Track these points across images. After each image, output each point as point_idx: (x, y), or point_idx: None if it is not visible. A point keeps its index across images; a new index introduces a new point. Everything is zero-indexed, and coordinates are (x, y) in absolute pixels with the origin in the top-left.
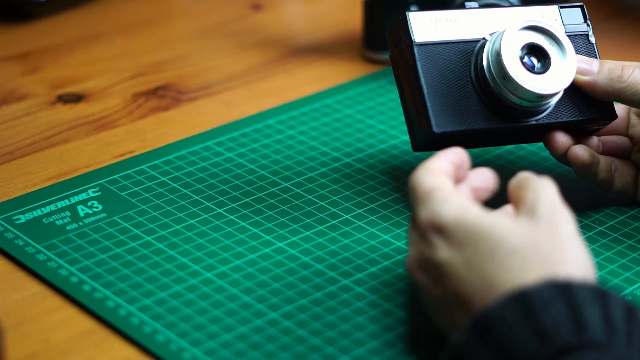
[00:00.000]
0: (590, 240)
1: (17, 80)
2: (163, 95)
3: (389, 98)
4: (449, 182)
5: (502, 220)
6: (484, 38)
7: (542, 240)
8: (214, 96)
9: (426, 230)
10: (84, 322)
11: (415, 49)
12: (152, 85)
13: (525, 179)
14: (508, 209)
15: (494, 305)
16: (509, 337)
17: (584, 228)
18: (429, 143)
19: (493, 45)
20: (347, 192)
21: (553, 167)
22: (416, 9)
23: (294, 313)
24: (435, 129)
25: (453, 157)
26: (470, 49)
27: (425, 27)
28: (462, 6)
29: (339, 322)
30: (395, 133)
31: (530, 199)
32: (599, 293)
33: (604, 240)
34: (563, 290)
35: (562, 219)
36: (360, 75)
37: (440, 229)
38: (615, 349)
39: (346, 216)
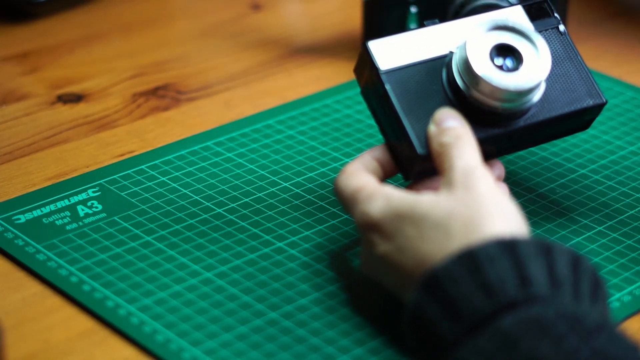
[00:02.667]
0: (589, 240)
1: (17, 80)
2: (163, 95)
3: None
4: (371, 177)
5: (423, 198)
6: (450, 51)
7: (460, 206)
8: (214, 96)
9: (363, 231)
10: (84, 322)
11: (383, 77)
12: (151, 85)
13: (440, 145)
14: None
15: (442, 264)
16: (455, 292)
17: (583, 228)
18: (419, 170)
19: (460, 55)
20: None
21: (551, 166)
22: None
23: (294, 313)
24: (419, 150)
25: (376, 153)
26: (439, 66)
27: (389, 53)
28: (422, 25)
29: (339, 322)
30: None
31: (447, 167)
32: (544, 247)
33: (604, 240)
34: (508, 247)
35: (476, 178)
36: None
37: (373, 226)
38: (559, 301)
39: (345, 216)
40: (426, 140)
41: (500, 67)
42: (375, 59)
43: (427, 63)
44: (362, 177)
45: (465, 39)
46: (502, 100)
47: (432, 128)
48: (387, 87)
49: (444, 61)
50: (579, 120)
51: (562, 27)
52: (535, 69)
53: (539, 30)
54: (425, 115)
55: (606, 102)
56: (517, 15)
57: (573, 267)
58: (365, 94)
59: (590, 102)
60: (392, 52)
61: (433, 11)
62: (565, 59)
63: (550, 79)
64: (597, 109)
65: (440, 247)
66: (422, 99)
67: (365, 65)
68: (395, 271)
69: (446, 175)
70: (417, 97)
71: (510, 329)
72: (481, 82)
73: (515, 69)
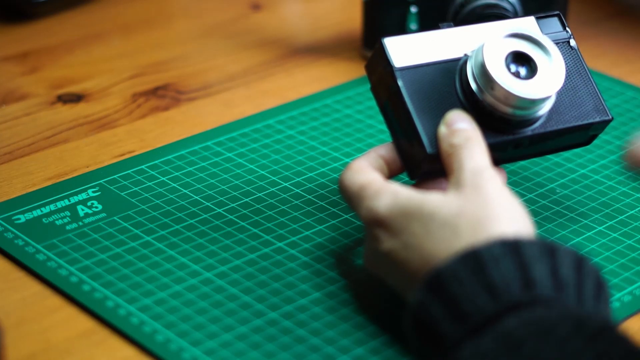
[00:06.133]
0: (589, 240)
1: (17, 80)
2: (163, 95)
3: None
4: (377, 174)
5: (431, 197)
6: (465, 54)
7: (468, 205)
8: (214, 96)
9: (369, 227)
10: (84, 322)
11: (397, 74)
12: (151, 85)
13: (450, 146)
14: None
15: (446, 264)
16: (459, 292)
17: (583, 228)
18: (425, 170)
19: (476, 58)
20: None
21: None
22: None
23: (294, 313)
24: (429, 149)
25: (382, 151)
26: (453, 68)
27: (404, 51)
28: (437, 27)
29: (339, 322)
30: None
31: (456, 168)
32: (548, 248)
33: (604, 240)
34: (512, 248)
35: (485, 178)
36: (360, 75)
37: (379, 222)
38: (563, 303)
39: (345, 216)
40: (436, 140)
41: (515, 74)
42: (390, 56)
43: (441, 64)
44: (369, 174)
45: (482, 43)
46: (514, 107)
47: (442, 129)
48: (400, 84)
49: (458, 64)
50: (584, 134)
51: (573, 42)
52: (549, 80)
53: None
54: (435, 116)
55: (612, 119)
56: (529, 26)
57: (577, 269)
58: (375, 90)
59: (596, 118)
60: (407, 50)
61: (433, 11)
62: (574, 74)
63: (559, 92)
64: (603, 125)
65: (447, 246)
66: (433, 99)
67: (379, 61)
68: (400, 268)
69: (455, 175)
70: (428, 97)
71: (514, 331)
72: (496, 87)
73: (529, 77)
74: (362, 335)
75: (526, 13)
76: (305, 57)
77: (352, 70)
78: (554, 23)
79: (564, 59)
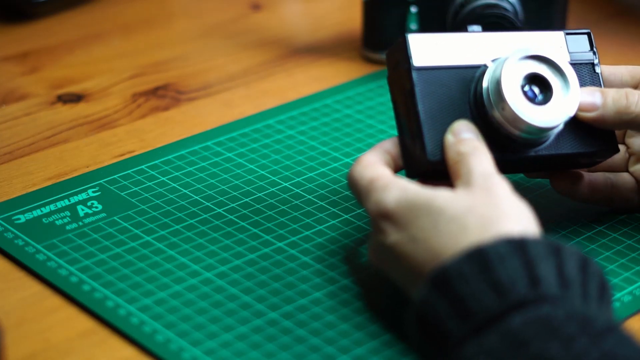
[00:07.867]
0: (589, 240)
1: (17, 80)
2: (163, 95)
3: (389, 98)
4: (386, 169)
5: (440, 193)
6: (485, 64)
7: (478, 203)
8: (214, 96)
9: (376, 220)
10: (84, 322)
11: (414, 73)
12: (151, 85)
13: (458, 154)
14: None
15: (452, 261)
16: (466, 290)
17: (583, 228)
18: (424, 171)
19: (494, 73)
20: (346, 192)
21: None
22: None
23: (294, 313)
24: (430, 156)
25: (388, 146)
26: (471, 76)
27: (425, 50)
28: (464, 29)
29: (339, 322)
30: (394, 133)
31: (465, 172)
32: (553, 248)
33: (604, 240)
34: (518, 247)
35: (496, 182)
36: (360, 75)
37: (387, 215)
38: (568, 301)
39: (346, 216)
40: (441, 148)
41: (529, 98)
42: (410, 53)
43: (460, 69)
44: (378, 168)
45: (503, 59)
46: (521, 130)
47: (449, 137)
48: (415, 81)
49: (476, 73)
50: (588, 160)
51: (598, 69)
52: (560, 109)
53: (574, 62)
54: (443, 122)
55: (619, 151)
56: (557, 41)
57: (582, 269)
58: (391, 82)
59: (603, 147)
60: (429, 50)
61: (433, 11)
62: None
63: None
64: (608, 154)
65: (454, 242)
66: (445, 104)
67: (399, 55)
68: (405, 262)
69: (463, 178)
70: (440, 101)
71: (519, 329)
72: (507, 108)
73: (542, 103)
74: (362, 335)
75: (526, 13)
76: (305, 57)
77: (352, 70)
78: (582, 41)
79: (584, 80)
